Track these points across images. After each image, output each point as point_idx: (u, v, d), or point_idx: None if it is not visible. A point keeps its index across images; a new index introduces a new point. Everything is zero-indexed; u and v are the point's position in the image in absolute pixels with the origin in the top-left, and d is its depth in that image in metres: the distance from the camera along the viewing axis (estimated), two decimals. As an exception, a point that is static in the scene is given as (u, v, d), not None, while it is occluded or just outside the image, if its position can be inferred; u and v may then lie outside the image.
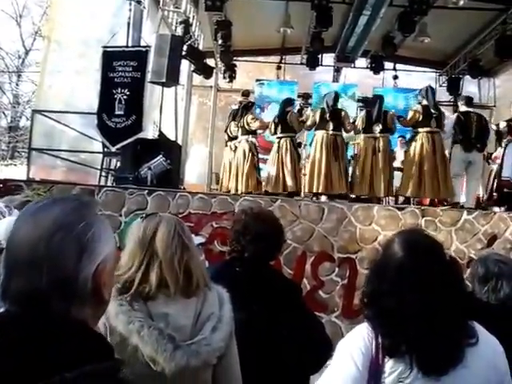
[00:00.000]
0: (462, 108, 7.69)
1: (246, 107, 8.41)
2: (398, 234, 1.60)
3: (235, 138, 8.53)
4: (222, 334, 1.66)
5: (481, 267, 2.34)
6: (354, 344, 1.47)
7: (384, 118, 7.62)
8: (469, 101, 7.73)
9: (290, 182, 7.66)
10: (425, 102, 7.48)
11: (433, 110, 7.37)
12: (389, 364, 1.42)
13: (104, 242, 0.96)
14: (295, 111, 8.36)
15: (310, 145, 10.03)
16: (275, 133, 8.00)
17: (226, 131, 8.88)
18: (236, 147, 8.42)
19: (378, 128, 7.54)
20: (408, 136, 8.44)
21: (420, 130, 7.36)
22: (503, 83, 13.26)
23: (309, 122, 7.89)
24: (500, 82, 13.48)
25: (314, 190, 7.56)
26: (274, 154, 7.92)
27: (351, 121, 7.97)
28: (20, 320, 0.87)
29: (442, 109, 8.10)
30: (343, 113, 7.85)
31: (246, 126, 8.16)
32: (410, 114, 7.55)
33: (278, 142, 7.90)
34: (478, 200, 7.99)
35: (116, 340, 1.58)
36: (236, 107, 8.84)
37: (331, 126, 7.59)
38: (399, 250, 1.51)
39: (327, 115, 7.62)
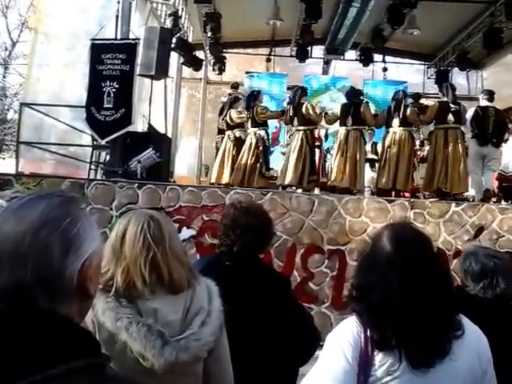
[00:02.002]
0: (483, 102, 7.65)
1: (254, 97, 8.23)
2: (387, 228, 1.59)
3: (236, 126, 8.32)
4: (211, 329, 1.65)
5: (475, 263, 2.31)
6: (344, 337, 1.48)
7: (404, 113, 7.61)
8: (491, 95, 7.65)
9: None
10: (444, 99, 7.52)
11: (452, 106, 7.40)
12: (378, 357, 1.43)
13: (90, 237, 0.96)
14: (284, 103, 8.39)
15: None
16: (293, 125, 7.92)
17: (224, 119, 8.50)
18: (236, 137, 8.25)
19: (397, 122, 7.56)
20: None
21: (438, 126, 7.43)
22: (491, 75, 13.34)
23: (331, 118, 7.89)
24: (488, 74, 13.56)
25: (341, 185, 7.56)
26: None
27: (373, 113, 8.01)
28: (4, 316, 0.86)
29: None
30: (363, 106, 7.83)
31: (256, 118, 7.98)
32: (429, 110, 7.59)
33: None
34: (489, 193, 8.00)
35: (104, 336, 1.58)
36: (232, 96, 8.71)
37: (351, 120, 7.60)
38: (388, 244, 1.51)
39: (349, 110, 7.62)
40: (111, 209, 6.11)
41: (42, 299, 0.89)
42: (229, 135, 8.30)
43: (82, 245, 0.93)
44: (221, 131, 8.94)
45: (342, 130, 7.79)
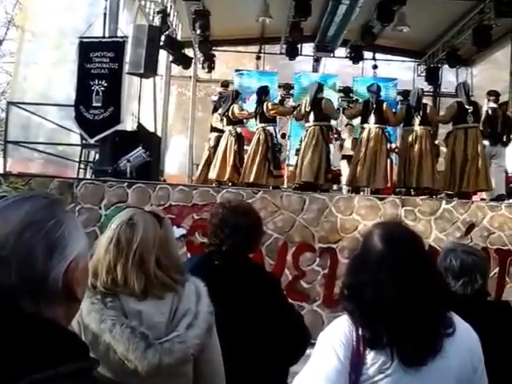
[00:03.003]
0: (491, 104, 7.69)
1: (264, 92, 8.10)
2: (377, 226, 1.59)
3: (237, 122, 8.18)
4: (197, 331, 1.63)
5: (455, 260, 2.32)
6: (335, 336, 1.47)
7: (424, 111, 7.58)
8: (497, 97, 7.75)
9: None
10: (459, 99, 7.52)
11: (467, 106, 7.42)
12: (370, 356, 1.43)
13: (75, 239, 0.94)
14: (276, 101, 8.33)
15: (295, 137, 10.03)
16: (307, 120, 7.80)
17: (225, 114, 8.24)
18: (238, 133, 8.11)
19: (417, 120, 7.52)
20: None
21: (458, 126, 7.42)
22: (480, 72, 13.41)
23: (351, 112, 7.79)
24: (477, 71, 13.63)
25: (358, 184, 7.52)
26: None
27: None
28: None
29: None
30: (385, 105, 7.78)
31: (266, 113, 7.84)
32: (447, 110, 7.61)
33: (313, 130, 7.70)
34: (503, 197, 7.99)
35: (89, 338, 1.57)
36: (233, 91, 8.59)
37: (373, 119, 7.54)
38: (378, 243, 1.51)
39: (372, 107, 7.55)
40: (100, 208, 6.08)
41: (26, 302, 0.87)
42: (230, 131, 8.10)
43: (66, 247, 0.92)
44: (214, 129, 8.81)
45: (364, 128, 7.66)
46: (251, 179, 7.56)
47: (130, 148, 6.79)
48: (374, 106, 7.60)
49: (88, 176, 7.66)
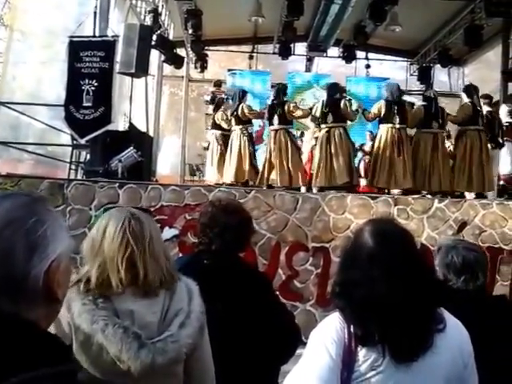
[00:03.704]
0: (486, 107, 7.70)
1: (283, 92, 7.93)
2: (368, 223, 1.58)
3: (247, 121, 7.97)
4: (189, 330, 1.62)
5: (457, 257, 2.32)
6: (327, 333, 1.47)
7: (442, 115, 7.52)
8: (491, 100, 7.81)
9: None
10: (471, 100, 7.45)
11: (479, 108, 7.41)
12: (362, 353, 1.42)
13: (57, 238, 0.92)
14: (268, 101, 8.24)
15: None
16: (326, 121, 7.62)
17: (233, 115, 7.96)
18: (249, 133, 7.92)
19: (436, 124, 7.44)
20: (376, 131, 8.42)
21: (470, 127, 7.37)
22: (472, 72, 13.47)
23: (373, 114, 7.65)
24: (469, 70, 13.69)
25: (379, 185, 7.40)
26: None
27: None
28: None
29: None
30: (407, 106, 7.67)
31: (287, 115, 7.64)
32: (460, 110, 7.54)
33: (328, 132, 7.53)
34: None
35: (81, 339, 1.56)
36: (239, 90, 8.35)
37: (397, 119, 7.40)
38: (369, 239, 1.50)
39: (394, 108, 7.42)
40: (91, 209, 6.01)
41: (4, 302, 0.85)
42: (242, 131, 7.85)
43: (48, 246, 0.89)
44: (217, 126, 8.50)
45: (386, 128, 7.50)
46: (286, 182, 7.40)
47: (122, 148, 6.75)
48: (396, 107, 7.46)
49: (79, 177, 7.59)
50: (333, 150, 7.34)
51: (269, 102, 8.28)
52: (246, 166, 7.71)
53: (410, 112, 7.62)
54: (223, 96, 9.20)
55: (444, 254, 2.37)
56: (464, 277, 2.29)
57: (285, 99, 7.86)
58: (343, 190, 6.92)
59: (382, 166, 7.35)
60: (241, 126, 7.89)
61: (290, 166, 7.44)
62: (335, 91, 7.74)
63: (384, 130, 7.47)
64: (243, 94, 8.20)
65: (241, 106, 7.89)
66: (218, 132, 8.50)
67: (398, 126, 7.37)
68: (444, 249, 2.40)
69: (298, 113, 7.79)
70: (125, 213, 1.70)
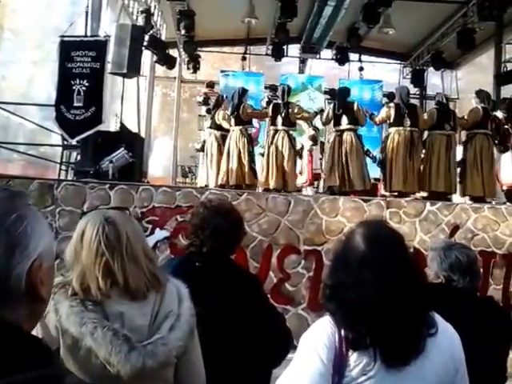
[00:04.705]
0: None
1: (288, 93, 7.84)
2: (360, 226, 1.57)
3: (247, 122, 7.79)
4: (180, 333, 1.60)
5: (461, 256, 2.34)
6: (318, 338, 1.46)
7: (453, 118, 7.53)
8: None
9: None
10: (482, 105, 7.47)
11: (489, 113, 7.43)
12: (353, 357, 1.41)
13: (39, 235, 0.87)
14: (263, 102, 8.21)
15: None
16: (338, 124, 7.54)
17: (234, 114, 7.71)
18: (249, 134, 7.77)
19: (448, 126, 7.44)
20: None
21: (480, 130, 7.39)
22: (465, 75, 13.53)
23: (381, 118, 7.62)
24: (462, 74, 13.74)
25: (393, 188, 7.35)
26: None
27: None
28: None
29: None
30: (418, 108, 7.68)
31: (291, 117, 7.55)
32: (470, 115, 7.55)
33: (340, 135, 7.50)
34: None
35: (69, 343, 1.54)
36: (239, 89, 8.10)
37: (408, 122, 7.36)
38: (361, 242, 1.49)
39: (405, 111, 7.39)
40: (82, 210, 5.92)
41: None
42: (242, 131, 7.62)
43: (29, 243, 0.85)
44: (218, 127, 8.20)
45: (397, 131, 7.46)
46: (293, 187, 7.38)
47: (113, 149, 6.71)
48: (407, 110, 7.44)
49: (70, 177, 7.52)
50: (345, 154, 7.33)
51: (263, 103, 8.26)
52: (246, 169, 7.52)
53: (422, 114, 7.62)
54: (223, 94, 8.93)
55: (444, 255, 2.37)
56: (469, 276, 2.32)
57: (289, 100, 7.79)
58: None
59: (396, 169, 7.33)
60: (241, 127, 7.66)
61: (285, 169, 7.39)
62: (348, 94, 7.73)
63: (396, 133, 7.44)
64: (243, 92, 7.93)
65: (242, 105, 7.67)
66: (218, 132, 8.18)
67: (408, 128, 7.35)
68: (442, 250, 2.40)
69: (304, 115, 7.77)
70: (99, 218, 1.65)
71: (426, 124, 7.58)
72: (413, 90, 13.86)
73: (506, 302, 5.83)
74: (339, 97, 7.75)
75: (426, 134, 7.76)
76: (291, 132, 7.68)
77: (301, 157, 8.90)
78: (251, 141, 7.86)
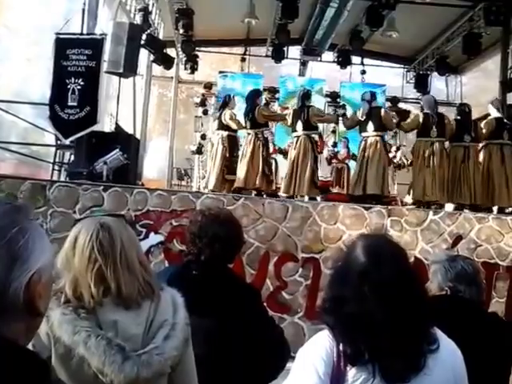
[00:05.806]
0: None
1: (308, 96, 7.73)
2: (361, 238, 1.54)
3: (263, 125, 7.67)
4: (175, 342, 1.58)
5: (467, 266, 2.33)
6: (315, 352, 1.43)
7: (475, 128, 7.41)
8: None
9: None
10: (497, 114, 7.39)
11: (506, 121, 7.34)
12: (351, 372, 1.38)
13: (39, 249, 0.89)
14: (262, 105, 8.04)
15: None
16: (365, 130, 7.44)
17: (249, 117, 7.57)
18: (265, 137, 7.63)
19: (468, 137, 7.34)
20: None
21: (493, 141, 7.34)
22: (470, 81, 13.44)
23: (410, 126, 7.50)
24: (467, 79, 13.66)
25: (419, 198, 7.24)
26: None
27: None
28: None
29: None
30: (445, 117, 7.50)
31: (312, 120, 7.41)
32: (485, 126, 7.44)
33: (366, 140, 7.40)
34: None
35: (61, 351, 1.52)
36: (254, 90, 8.08)
37: (435, 132, 7.23)
38: (361, 256, 1.46)
39: (434, 120, 7.24)
40: (74, 212, 5.84)
41: None
42: (257, 134, 7.48)
43: (29, 257, 0.87)
44: (225, 127, 7.98)
45: (423, 143, 7.34)
46: (304, 191, 7.23)
47: (107, 150, 6.59)
48: (436, 119, 7.31)
49: (63, 178, 7.42)
50: (368, 159, 7.25)
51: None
52: (258, 173, 7.37)
53: (450, 124, 7.45)
54: (230, 94, 8.75)
55: (449, 266, 2.34)
56: (475, 287, 2.31)
57: (309, 104, 7.66)
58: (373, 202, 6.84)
59: (418, 179, 7.24)
60: (256, 130, 7.54)
61: (307, 175, 7.28)
62: (374, 99, 7.63)
63: (421, 146, 7.31)
64: (257, 94, 7.86)
65: (257, 108, 7.56)
66: (225, 133, 7.94)
67: (435, 139, 7.24)
68: (447, 261, 2.37)
69: (327, 117, 7.80)
70: (94, 224, 1.63)
71: (448, 135, 7.45)
72: (415, 94, 13.79)
73: (509, 315, 5.70)
74: (365, 102, 7.55)
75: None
76: (313, 135, 7.59)
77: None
78: (267, 144, 7.73)
